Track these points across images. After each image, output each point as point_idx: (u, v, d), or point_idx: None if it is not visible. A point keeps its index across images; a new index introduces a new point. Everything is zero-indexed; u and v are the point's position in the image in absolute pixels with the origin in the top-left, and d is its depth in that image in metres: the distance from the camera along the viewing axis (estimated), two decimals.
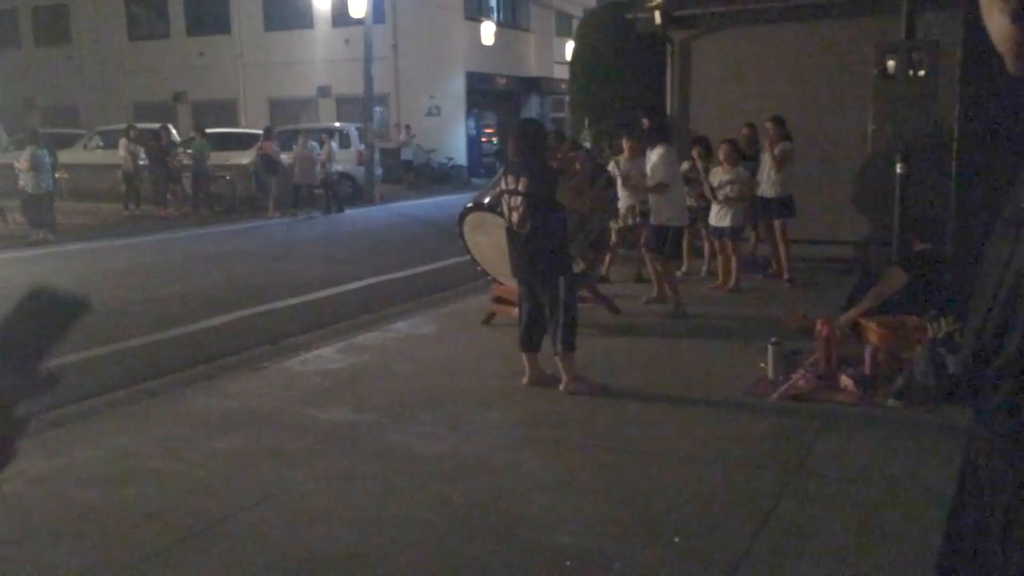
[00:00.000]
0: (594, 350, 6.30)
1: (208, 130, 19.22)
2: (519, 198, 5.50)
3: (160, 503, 4.05)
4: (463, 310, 8.20)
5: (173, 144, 18.58)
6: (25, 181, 13.81)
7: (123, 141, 18.28)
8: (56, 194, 15.21)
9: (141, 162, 18.12)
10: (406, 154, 25.20)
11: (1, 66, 29.89)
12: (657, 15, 10.90)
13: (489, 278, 7.82)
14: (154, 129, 19.09)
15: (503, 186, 5.72)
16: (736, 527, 3.69)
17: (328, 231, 15.94)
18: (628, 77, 11.82)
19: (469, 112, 28.67)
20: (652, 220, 7.95)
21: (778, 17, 10.42)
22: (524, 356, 5.72)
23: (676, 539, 3.62)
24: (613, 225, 9.10)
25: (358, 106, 23.38)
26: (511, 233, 5.63)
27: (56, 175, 15.40)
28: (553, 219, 5.48)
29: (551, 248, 5.50)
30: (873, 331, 5.92)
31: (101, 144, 21.35)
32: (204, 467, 4.50)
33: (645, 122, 8.30)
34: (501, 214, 6.88)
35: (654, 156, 7.76)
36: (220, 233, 15.64)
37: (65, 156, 19.09)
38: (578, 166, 8.14)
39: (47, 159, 14.40)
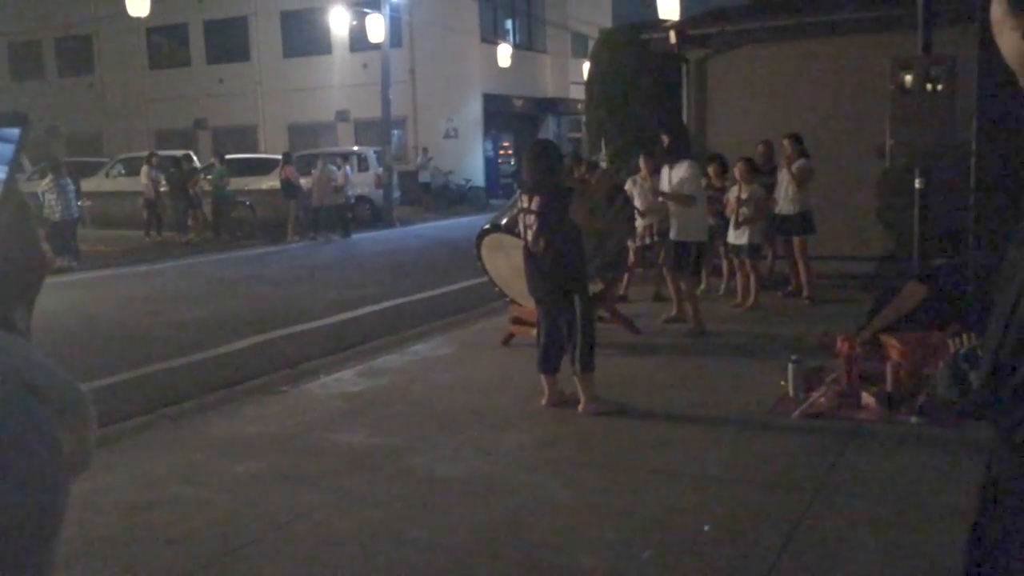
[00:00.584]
0: (613, 370, 6.29)
1: (228, 156, 19.44)
2: (533, 216, 5.55)
3: (182, 528, 4.06)
4: (482, 332, 8.21)
5: (194, 171, 18.80)
6: (50, 209, 14.00)
7: (145, 168, 18.53)
8: (79, 221, 15.41)
9: (162, 189, 18.35)
10: (424, 176, 25.37)
11: (25, 96, 30.40)
12: (672, 35, 10.96)
13: (507, 299, 7.83)
14: (175, 156, 19.34)
15: (519, 205, 5.77)
16: (759, 546, 3.65)
17: (347, 254, 16.04)
18: (644, 97, 11.86)
19: (486, 134, 28.85)
20: (673, 236, 7.87)
21: (793, 35, 10.44)
22: (543, 377, 5.71)
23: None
24: (631, 244, 9.10)
25: (376, 130, 23.58)
26: (527, 252, 5.67)
27: (79, 203, 15.61)
28: (566, 238, 5.51)
29: (565, 267, 5.52)
30: (895, 347, 5.87)
31: (123, 172, 21.63)
32: (226, 492, 4.52)
33: (665, 140, 8.30)
34: (519, 235, 6.91)
35: (681, 171, 7.68)
36: (240, 258, 15.77)
37: (88, 184, 19.36)
38: (593, 181, 8.12)
39: (71, 187, 14.61)
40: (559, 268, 5.52)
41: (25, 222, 0.79)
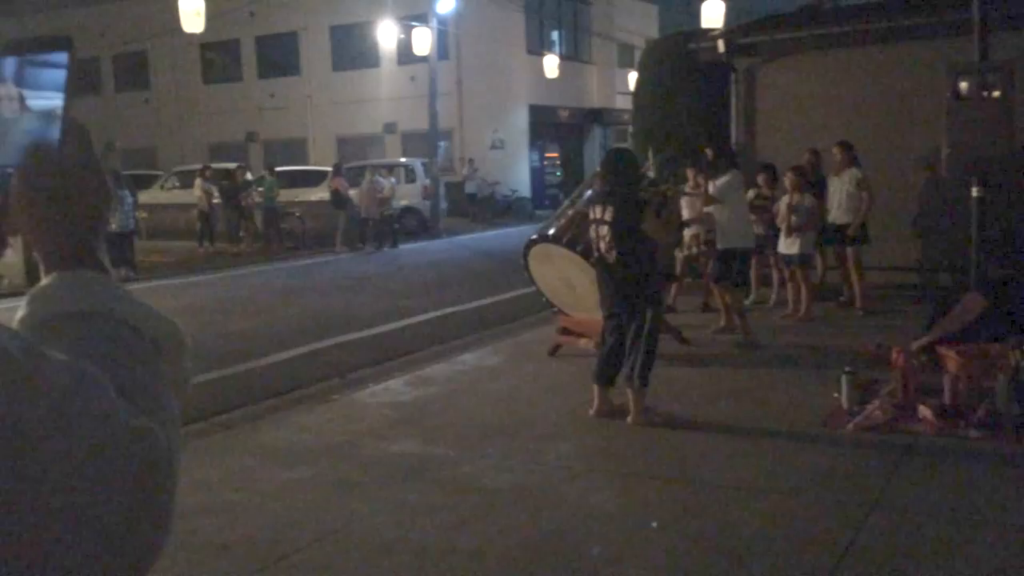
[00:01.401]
0: (663, 381, 6.23)
1: (278, 168, 19.75)
2: (606, 227, 5.49)
3: (234, 534, 4.12)
4: (529, 341, 8.21)
5: (247, 183, 19.15)
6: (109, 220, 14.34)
7: (199, 181, 18.91)
8: (136, 233, 15.78)
9: (215, 201, 18.71)
10: (470, 187, 25.48)
11: (84, 111, 31.12)
12: (721, 44, 10.89)
13: (554, 309, 7.82)
14: (227, 169, 19.71)
15: (591, 216, 5.71)
16: (813, 563, 3.59)
17: (394, 264, 16.16)
18: (692, 106, 11.78)
19: (532, 145, 28.90)
20: (718, 244, 7.87)
21: (845, 42, 10.30)
22: (596, 387, 5.67)
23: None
24: (678, 254, 9.04)
25: (423, 141, 23.78)
26: (600, 264, 5.62)
27: (136, 215, 16.00)
28: (640, 249, 5.46)
29: (639, 279, 5.47)
30: (953, 359, 5.73)
31: (177, 184, 22.12)
32: (277, 499, 4.57)
33: (709, 153, 8.26)
34: (567, 245, 6.91)
35: (720, 180, 7.73)
36: (290, 268, 16.00)
37: (143, 196, 19.83)
38: (668, 194, 8.06)
39: (129, 199, 14.98)
40: (634, 281, 5.46)
41: (89, 149, 0.79)
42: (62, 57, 0.78)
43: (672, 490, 4.48)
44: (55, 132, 0.76)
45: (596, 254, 5.67)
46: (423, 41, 21.89)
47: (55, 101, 0.77)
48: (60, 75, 0.77)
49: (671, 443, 5.17)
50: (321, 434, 5.66)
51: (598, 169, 6.32)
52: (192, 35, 18.51)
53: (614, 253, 5.46)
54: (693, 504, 4.27)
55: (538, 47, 28.62)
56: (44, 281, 0.76)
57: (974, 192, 7.76)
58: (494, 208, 25.75)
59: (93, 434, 0.64)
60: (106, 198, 0.81)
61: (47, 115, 0.77)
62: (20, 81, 0.77)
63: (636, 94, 13.29)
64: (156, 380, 0.74)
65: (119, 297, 0.76)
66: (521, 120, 28.60)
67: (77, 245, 0.77)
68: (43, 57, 0.78)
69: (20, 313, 0.74)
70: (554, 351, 7.50)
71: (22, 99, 0.77)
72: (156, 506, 0.69)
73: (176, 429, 0.73)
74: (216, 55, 30.89)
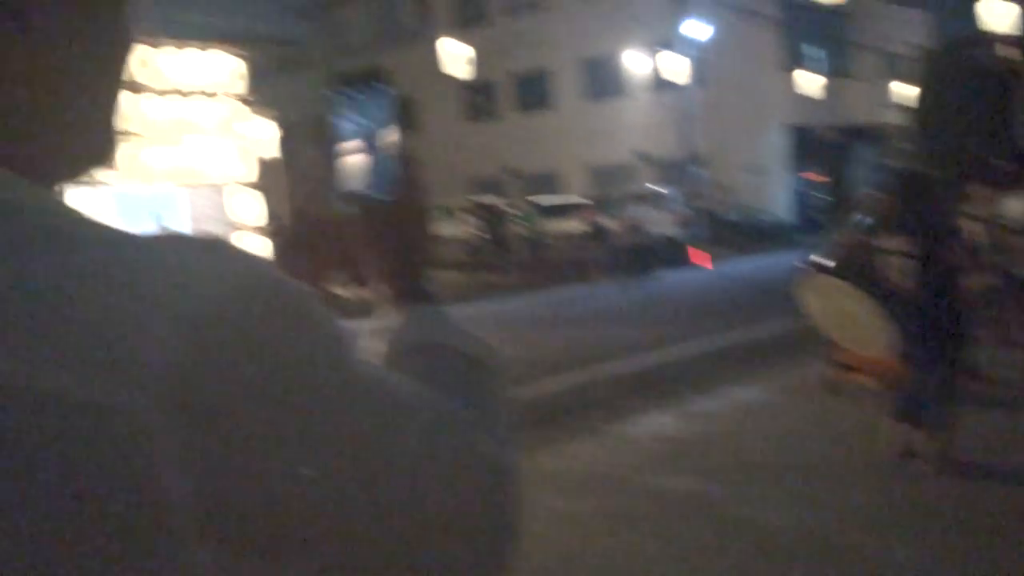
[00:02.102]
0: (963, 425, 5.68)
1: (536, 200, 20.49)
2: (909, 260, 5.09)
3: (522, 562, 4.26)
4: (802, 377, 7.83)
5: (508, 215, 20.05)
6: None
7: (463, 214, 20.07)
8: None
9: (480, 233, 19.75)
10: (727, 214, 24.94)
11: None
12: (1013, 49, 9.90)
13: (831, 344, 7.40)
14: (490, 203, 20.76)
15: (883, 245, 5.33)
16: None
17: (654, 294, 16.11)
18: (978, 118, 10.78)
19: (792, 166, 27.79)
20: (1016, 271, 7.10)
21: None
22: (891, 426, 5.26)
23: None
24: (972, 283, 8.25)
25: (676, 168, 23.64)
26: (896, 298, 5.23)
27: None
28: (953, 281, 5.07)
29: (946, 316, 5.07)
30: None
31: (444, 217, 23.60)
32: (557, 527, 4.67)
33: (1007, 167, 7.50)
34: (848, 276, 6.52)
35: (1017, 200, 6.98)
36: (551, 298, 16.43)
37: None
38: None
39: None
40: (940, 318, 5.05)
41: (423, 183, 0.81)
42: (387, 89, 0.79)
43: (978, 548, 4.05)
44: (397, 166, 0.78)
45: (891, 288, 5.27)
46: (673, 67, 21.85)
47: (391, 133, 0.78)
48: (390, 108, 0.78)
49: (976, 495, 4.70)
50: (591, 464, 5.73)
51: (881, 192, 5.92)
52: (456, 78, 19.75)
53: (919, 289, 5.06)
54: (1007, 566, 3.84)
55: (794, 64, 27.56)
56: (394, 316, 0.78)
57: None
58: (753, 235, 24.98)
59: (463, 468, 0.64)
60: (434, 231, 0.84)
61: (389, 148, 0.78)
62: (361, 114, 0.78)
63: (916, 107, 12.39)
64: (501, 410, 0.74)
65: (456, 329, 0.78)
66: (779, 142, 27.62)
67: (417, 278, 0.80)
68: (373, 89, 0.78)
69: (378, 347, 0.76)
70: (832, 388, 7.09)
71: (367, 132, 0.78)
72: (514, 534, 0.70)
73: (516, 458, 0.73)
74: (477, 95, 32.75)
